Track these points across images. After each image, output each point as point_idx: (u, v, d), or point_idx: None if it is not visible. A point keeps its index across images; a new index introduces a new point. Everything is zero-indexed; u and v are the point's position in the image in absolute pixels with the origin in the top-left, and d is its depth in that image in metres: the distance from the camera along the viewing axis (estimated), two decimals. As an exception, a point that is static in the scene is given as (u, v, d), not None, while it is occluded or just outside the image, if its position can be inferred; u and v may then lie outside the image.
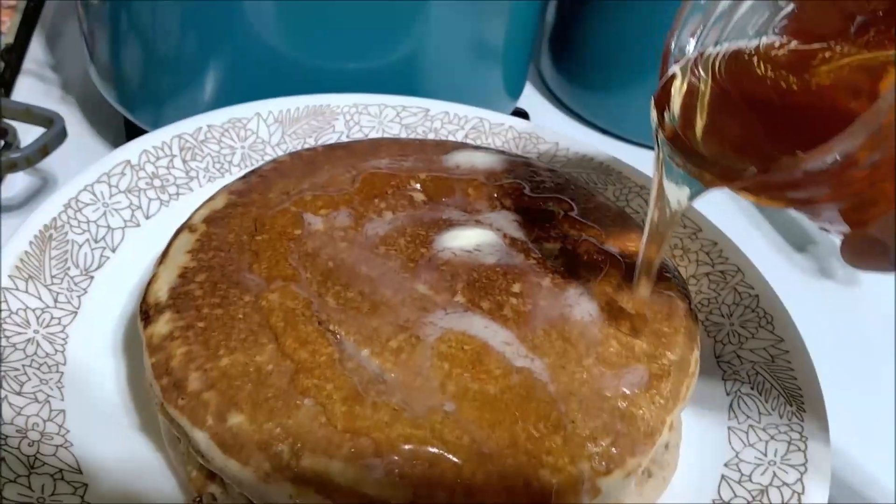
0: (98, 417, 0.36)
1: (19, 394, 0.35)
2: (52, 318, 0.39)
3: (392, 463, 0.30)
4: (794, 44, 0.32)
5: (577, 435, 0.33)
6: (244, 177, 0.43)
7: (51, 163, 0.54)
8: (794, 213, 0.67)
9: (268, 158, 0.50)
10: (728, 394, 0.41)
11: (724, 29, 0.34)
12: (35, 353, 0.37)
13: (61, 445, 0.34)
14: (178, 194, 0.46)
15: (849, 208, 0.29)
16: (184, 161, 0.47)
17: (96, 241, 0.42)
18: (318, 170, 0.44)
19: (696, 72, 0.34)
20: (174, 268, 0.37)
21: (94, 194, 0.44)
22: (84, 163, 0.47)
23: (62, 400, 0.36)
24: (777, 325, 0.43)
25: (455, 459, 0.31)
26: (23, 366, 0.36)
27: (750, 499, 0.36)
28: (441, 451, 0.31)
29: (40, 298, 0.39)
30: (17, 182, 0.56)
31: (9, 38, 0.70)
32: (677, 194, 0.34)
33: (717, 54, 0.34)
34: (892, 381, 0.52)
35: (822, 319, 0.46)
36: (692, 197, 0.34)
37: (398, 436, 0.31)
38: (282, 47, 0.52)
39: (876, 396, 0.51)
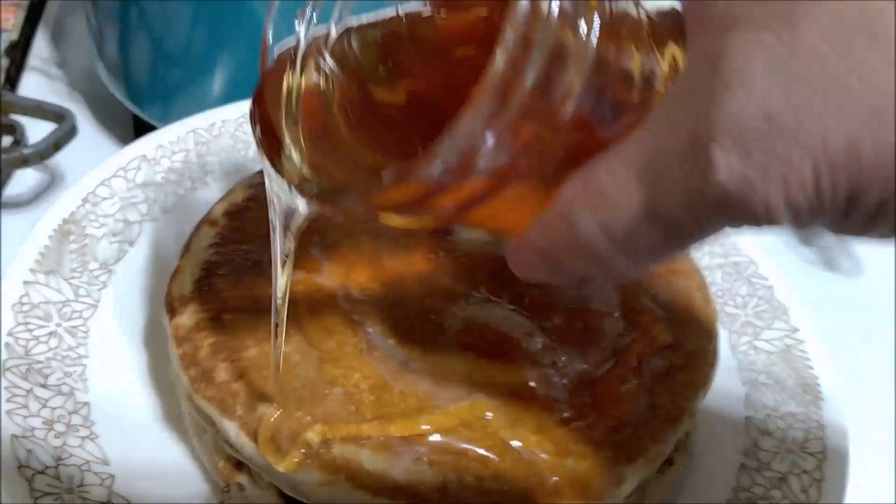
0: (121, 409, 0.36)
1: (44, 386, 0.35)
2: (74, 311, 0.39)
3: (420, 451, 0.31)
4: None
5: (601, 423, 0.33)
6: (262, 170, 0.43)
7: (59, 159, 0.54)
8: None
9: (282, 152, 0.50)
10: (744, 383, 0.42)
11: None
12: (58, 346, 0.37)
13: (87, 437, 0.34)
14: (193, 188, 0.47)
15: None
16: (199, 155, 0.48)
17: (114, 236, 0.42)
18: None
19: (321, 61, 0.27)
20: (197, 261, 0.37)
21: (111, 188, 0.44)
22: (92, 159, 0.47)
23: (86, 392, 0.36)
24: (792, 315, 0.43)
25: (482, 448, 0.31)
26: (46, 358, 0.36)
27: (769, 486, 0.37)
28: (468, 439, 0.31)
29: (61, 292, 0.39)
30: (26, 178, 0.56)
31: (13, 35, 0.70)
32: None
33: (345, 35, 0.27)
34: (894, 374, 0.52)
35: (828, 312, 0.46)
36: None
37: (426, 424, 0.31)
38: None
39: (878, 389, 0.51)
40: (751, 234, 0.48)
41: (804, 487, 0.36)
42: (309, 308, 0.35)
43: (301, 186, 0.25)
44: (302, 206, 0.25)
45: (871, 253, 0.64)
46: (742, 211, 0.19)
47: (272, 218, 0.27)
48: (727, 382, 0.41)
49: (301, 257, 0.37)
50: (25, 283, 0.38)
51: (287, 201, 0.26)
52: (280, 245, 0.27)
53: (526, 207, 0.24)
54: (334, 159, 0.26)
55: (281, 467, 0.30)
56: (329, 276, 0.37)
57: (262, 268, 0.37)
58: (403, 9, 0.27)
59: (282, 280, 0.29)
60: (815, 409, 0.39)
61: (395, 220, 0.28)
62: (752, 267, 0.46)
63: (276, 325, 0.30)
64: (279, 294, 0.29)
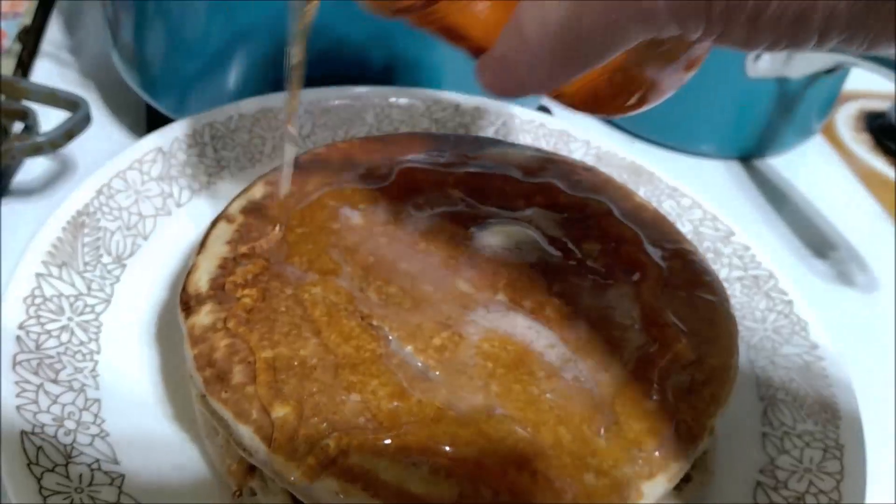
0: (132, 407, 0.36)
1: (55, 381, 0.34)
2: (86, 305, 0.38)
3: (437, 461, 0.30)
4: None
5: (621, 438, 0.32)
6: (279, 167, 0.42)
7: (70, 148, 0.53)
8: (809, 214, 0.67)
9: (299, 149, 0.49)
10: (762, 399, 0.41)
11: None
12: (70, 341, 0.36)
13: (97, 435, 0.34)
14: (209, 183, 0.46)
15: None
16: (215, 150, 0.47)
17: (128, 229, 0.42)
18: (355, 162, 0.43)
19: None
20: (213, 258, 0.37)
21: (125, 181, 0.43)
22: (103, 149, 0.46)
23: (97, 389, 0.35)
24: (811, 331, 0.43)
25: (500, 459, 0.30)
26: (58, 353, 0.36)
27: (786, 505, 0.36)
28: (486, 451, 0.31)
29: (74, 286, 0.38)
30: (38, 166, 0.56)
31: (26, 20, 0.69)
32: None
33: None
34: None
35: (841, 326, 0.45)
36: None
37: (444, 434, 0.31)
38: (309, 37, 0.51)
39: (892, 403, 0.51)
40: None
41: (822, 508, 0.36)
42: (327, 312, 0.34)
43: None
44: None
45: (886, 268, 0.63)
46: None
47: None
48: (745, 398, 0.41)
49: (320, 259, 0.37)
50: (38, 275, 0.37)
51: None
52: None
53: (493, 24, 0.28)
54: None
55: (296, 475, 0.30)
56: (348, 280, 0.36)
57: (279, 267, 0.36)
58: None
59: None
60: (832, 428, 0.39)
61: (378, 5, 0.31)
62: (771, 281, 0.46)
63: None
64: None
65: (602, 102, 0.33)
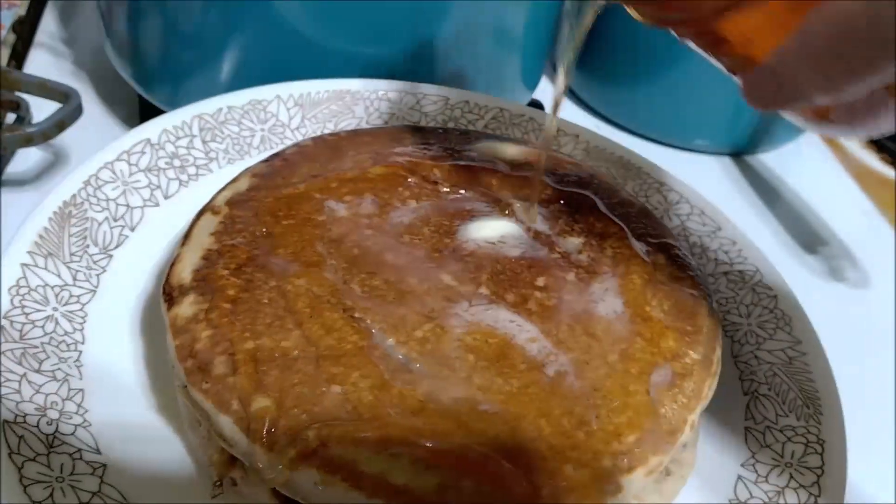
0: (116, 398, 0.36)
1: (38, 371, 0.34)
2: (71, 295, 0.38)
3: (418, 453, 0.30)
4: None
5: (601, 431, 0.33)
6: (267, 160, 0.43)
7: (62, 139, 0.53)
8: (801, 210, 0.67)
9: (287, 142, 0.49)
10: (745, 394, 0.41)
11: None
12: (54, 331, 0.36)
13: (80, 425, 0.34)
14: (197, 175, 0.46)
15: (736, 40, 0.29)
16: (203, 142, 0.47)
17: (115, 220, 0.42)
18: (342, 155, 0.43)
19: None
20: (198, 249, 0.37)
21: (113, 172, 0.43)
22: (96, 139, 0.46)
23: (81, 379, 0.36)
24: (795, 326, 0.43)
25: (480, 451, 0.31)
26: (42, 343, 0.36)
27: (766, 500, 0.36)
28: (467, 443, 0.31)
29: (59, 276, 0.38)
30: (30, 157, 0.56)
31: (21, 10, 0.69)
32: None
33: None
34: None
35: (832, 322, 0.46)
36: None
37: (425, 426, 0.31)
38: (302, 29, 0.52)
39: (883, 399, 0.51)
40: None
41: (801, 502, 0.36)
42: (310, 304, 0.34)
43: None
44: None
45: (877, 264, 0.63)
46: None
47: None
48: (728, 392, 0.41)
49: (304, 251, 0.37)
50: (23, 265, 0.37)
51: None
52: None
53: (766, 40, 0.27)
54: None
55: (276, 466, 0.30)
56: (332, 272, 0.36)
57: (263, 259, 0.36)
58: None
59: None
60: (814, 423, 0.39)
61: (646, 13, 0.30)
62: (757, 276, 0.46)
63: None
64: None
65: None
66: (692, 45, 0.31)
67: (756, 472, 0.38)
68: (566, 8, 0.34)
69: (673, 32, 0.31)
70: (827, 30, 0.25)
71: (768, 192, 0.70)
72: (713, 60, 0.31)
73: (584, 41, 0.36)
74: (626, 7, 0.30)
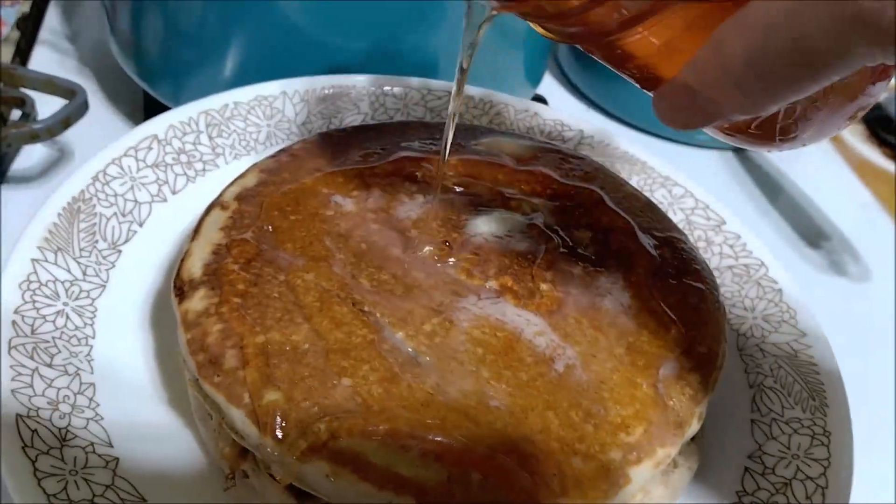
0: (127, 392, 0.36)
1: (50, 366, 0.35)
2: (81, 290, 0.38)
3: (427, 445, 0.30)
4: None
5: (608, 423, 0.33)
6: (274, 155, 0.43)
7: (67, 135, 0.53)
8: (802, 204, 0.67)
9: (293, 137, 0.49)
10: (751, 387, 0.41)
11: None
12: (65, 326, 0.37)
13: (92, 419, 0.34)
14: (204, 170, 0.46)
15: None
16: (210, 137, 0.47)
17: (124, 215, 0.42)
18: (349, 150, 0.43)
19: None
20: (207, 244, 0.37)
21: (121, 168, 0.43)
22: (101, 136, 0.47)
23: (92, 373, 0.36)
24: (800, 319, 0.43)
25: (488, 444, 0.31)
26: (53, 338, 0.36)
27: (773, 491, 0.37)
28: (475, 435, 0.31)
29: (69, 271, 0.39)
30: (35, 153, 0.56)
31: (25, 7, 0.69)
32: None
33: None
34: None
35: (833, 315, 0.46)
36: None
37: (433, 418, 0.31)
38: (305, 26, 0.52)
39: (884, 393, 0.51)
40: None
41: (808, 494, 0.36)
42: (319, 298, 0.35)
43: None
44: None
45: (878, 258, 0.64)
46: (875, 26, 0.21)
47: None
48: (734, 385, 0.41)
49: (312, 246, 0.37)
50: (33, 260, 0.37)
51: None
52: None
53: (676, 55, 0.26)
54: None
55: (287, 458, 0.30)
56: (340, 267, 0.36)
57: (272, 254, 0.37)
58: None
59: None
60: (820, 415, 0.39)
61: (549, 29, 0.29)
62: (762, 269, 0.46)
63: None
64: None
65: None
66: (601, 60, 0.29)
67: (763, 463, 0.38)
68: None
69: (580, 47, 0.29)
70: (745, 49, 0.23)
71: (770, 186, 0.70)
72: (625, 76, 0.29)
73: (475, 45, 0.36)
74: (530, 24, 0.29)
